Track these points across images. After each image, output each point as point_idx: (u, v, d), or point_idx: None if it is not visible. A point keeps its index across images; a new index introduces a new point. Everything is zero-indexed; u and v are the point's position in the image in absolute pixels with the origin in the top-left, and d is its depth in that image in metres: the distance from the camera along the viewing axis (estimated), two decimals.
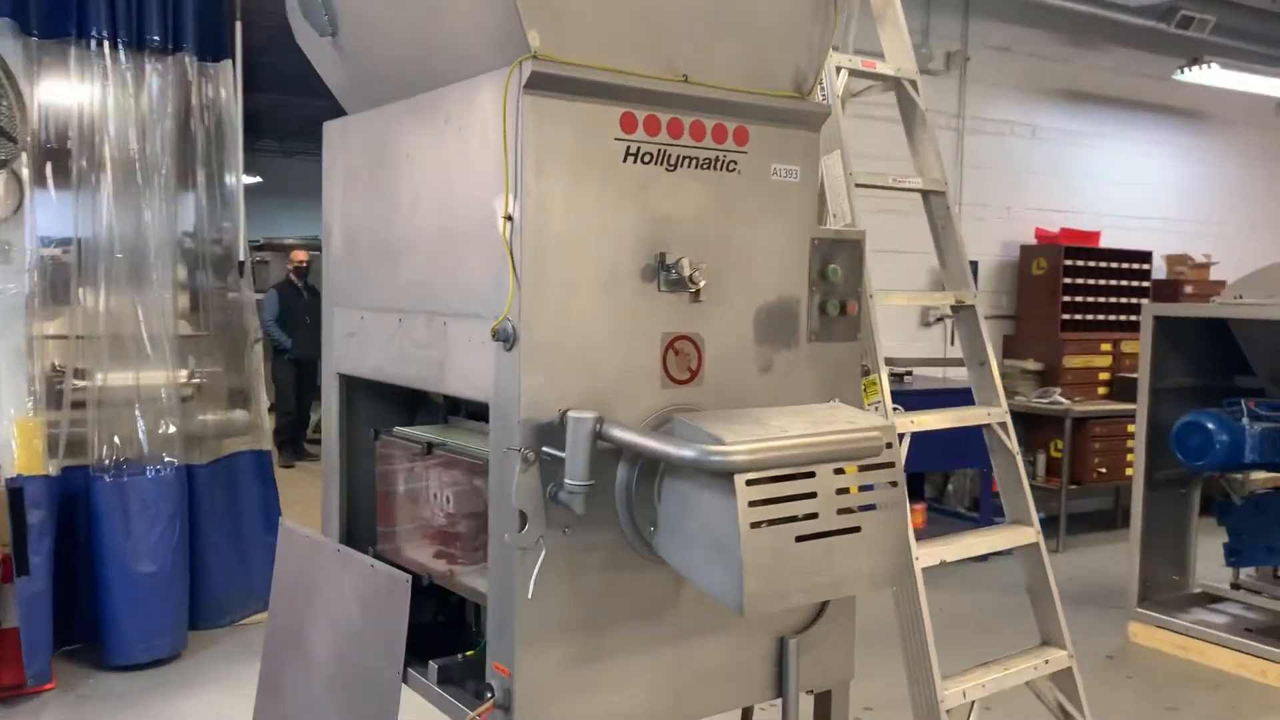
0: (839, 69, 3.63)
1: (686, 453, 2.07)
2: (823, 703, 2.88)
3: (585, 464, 2.19)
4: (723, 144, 2.51)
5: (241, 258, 6.08)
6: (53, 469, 5.10)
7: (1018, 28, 9.12)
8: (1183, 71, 9.35)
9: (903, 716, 3.90)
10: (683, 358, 2.47)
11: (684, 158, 2.46)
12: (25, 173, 5.09)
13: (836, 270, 2.70)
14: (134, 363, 5.42)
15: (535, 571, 2.24)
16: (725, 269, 2.52)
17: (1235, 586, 6.33)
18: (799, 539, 2.10)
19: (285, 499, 6.21)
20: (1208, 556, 6.44)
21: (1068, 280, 9.07)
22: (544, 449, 2.26)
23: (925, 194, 3.85)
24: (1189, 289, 9.71)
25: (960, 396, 5.58)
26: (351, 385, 3.08)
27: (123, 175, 5.43)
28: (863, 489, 2.25)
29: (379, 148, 2.85)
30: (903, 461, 2.33)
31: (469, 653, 2.68)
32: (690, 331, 2.48)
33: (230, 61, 5.87)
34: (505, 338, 2.27)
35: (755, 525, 2.04)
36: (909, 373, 7.78)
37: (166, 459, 5.39)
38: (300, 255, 11.61)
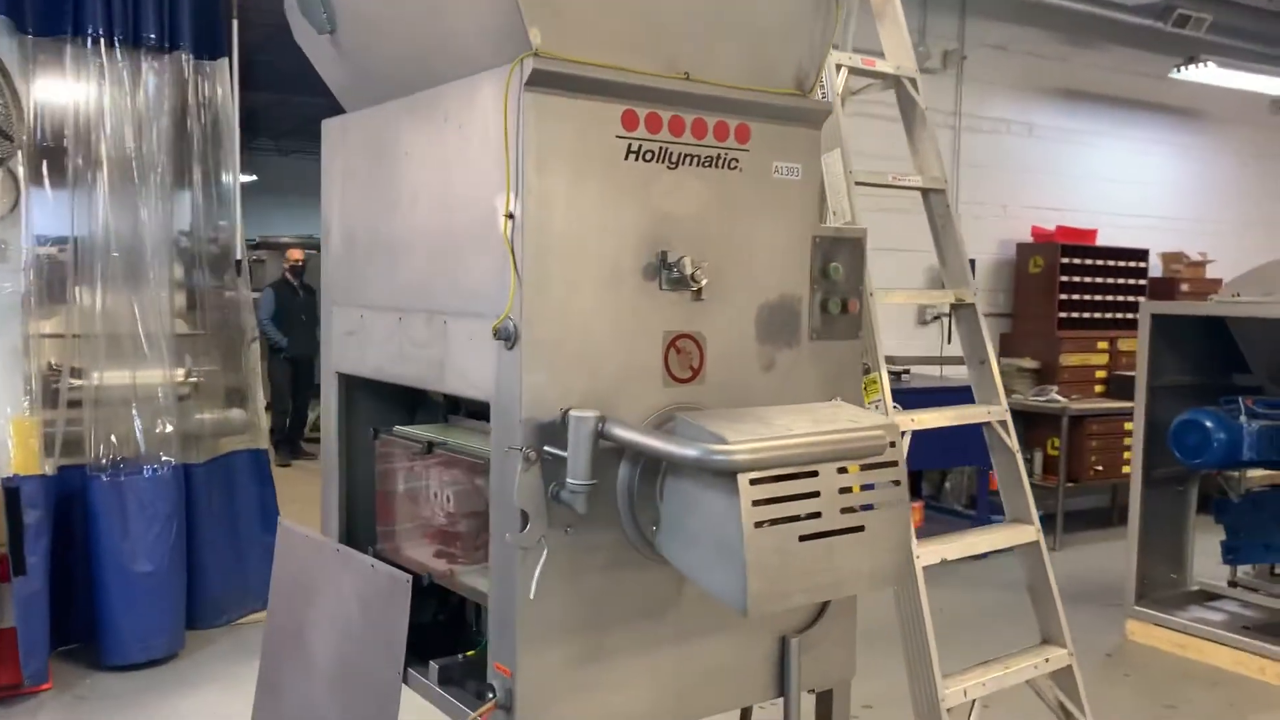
0: (839, 67, 3.62)
1: (690, 452, 2.06)
2: (824, 702, 2.87)
3: (587, 463, 2.19)
4: (724, 142, 2.51)
5: (238, 256, 6.06)
6: (49, 468, 5.09)
7: (1014, 26, 9.12)
8: (1179, 70, 9.36)
9: (902, 714, 3.90)
10: (684, 356, 2.46)
11: (685, 155, 2.45)
12: (21, 171, 5.06)
13: (838, 268, 2.70)
14: (131, 361, 5.40)
15: (537, 571, 2.23)
16: (727, 267, 2.51)
17: (1232, 584, 6.34)
18: (802, 538, 2.10)
19: (281, 498, 6.19)
20: (1204, 554, 6.45)
21: (1064, 278, 9.08)
22: (546, 448, 2.25)
23: (925, 192, 3.84)
24: (1185, 287, 9.73)
25: (957, 395, 5.58)
26: (351, 384, 3.07)
27: (119, 174, 5.41)
28: (864, 488, 2.25)
29: (378, 146, 2.84)
30: (905, 460, 2.32)
31: (470, 653, 2.67)
32: (692, 330, 2.47)
33: (227, 60, 5.85)
34: (507, 336, 2.26)
35: (759, 525, 2.03)
36: (906, 371, 7.78)
37: (163, 458, 5.38)
38: (296, 254, 11.59)
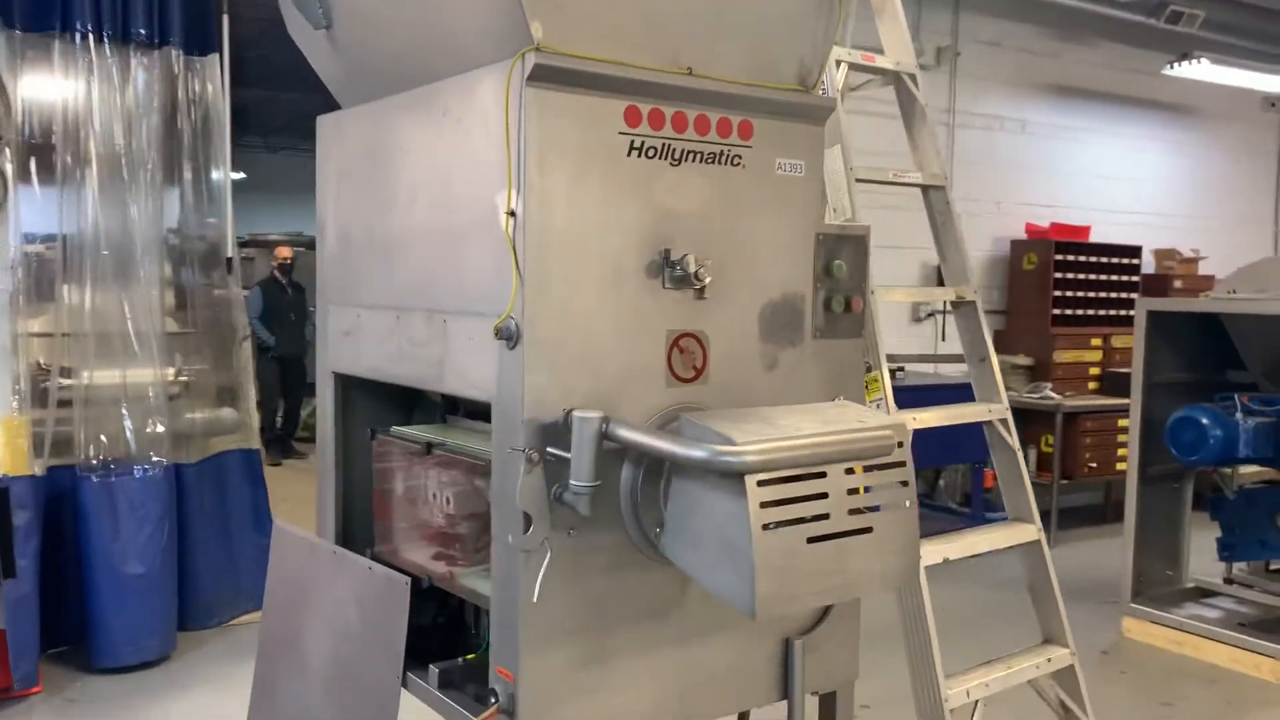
0: (838, 63, 3.59)
1: (696, 453, 2.03)
2: (827, 704, 2.84)
3: (591, 464, 2.15)
4: (727, 138, 2.48)
5: (229, 254, 6.00)
6: (38, 469, 5.03)
7: (1008, 22, 9.11)
8: (1172, 67, 9.36)
9: (900, 714, 3.88)
10: (687, 356, 2.43)
11: (688, 152, 2.42)
12: (9, 168, 5.00)
13: (841, 266, 2.67)
14: (121, 360, 5.35)
15: (540, 574, 2.20)
16: (730, 265, 2.48)
17: (1228, 581, 6.34)
18: (810, 540, 2.07)
19: (272, 497, 6.15)
20: (1199, 551, 6.45)
21: (1058, 275, 9.07)
22: (548, 449, 2.21)
23: (925, 189, 3.82)
24: (1178, 284, 9.74)
25: (952, 392, 5.57)
26: (347, 384, 3.03)
27: (108, 171, 5.35)
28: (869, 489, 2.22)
29: (375, 142, 2.80)
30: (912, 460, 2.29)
31: (470, 656, 2.64)
32: (695, 329, 2.44)
33: (217, 55, 5.79)
34: (508, 336, 2.22)
35: (766, 527, 2.00)
36: (901, 369, 7.77)
37: (154, 458, 5.33)
38: (285, 252, 11.53)
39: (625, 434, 2.16)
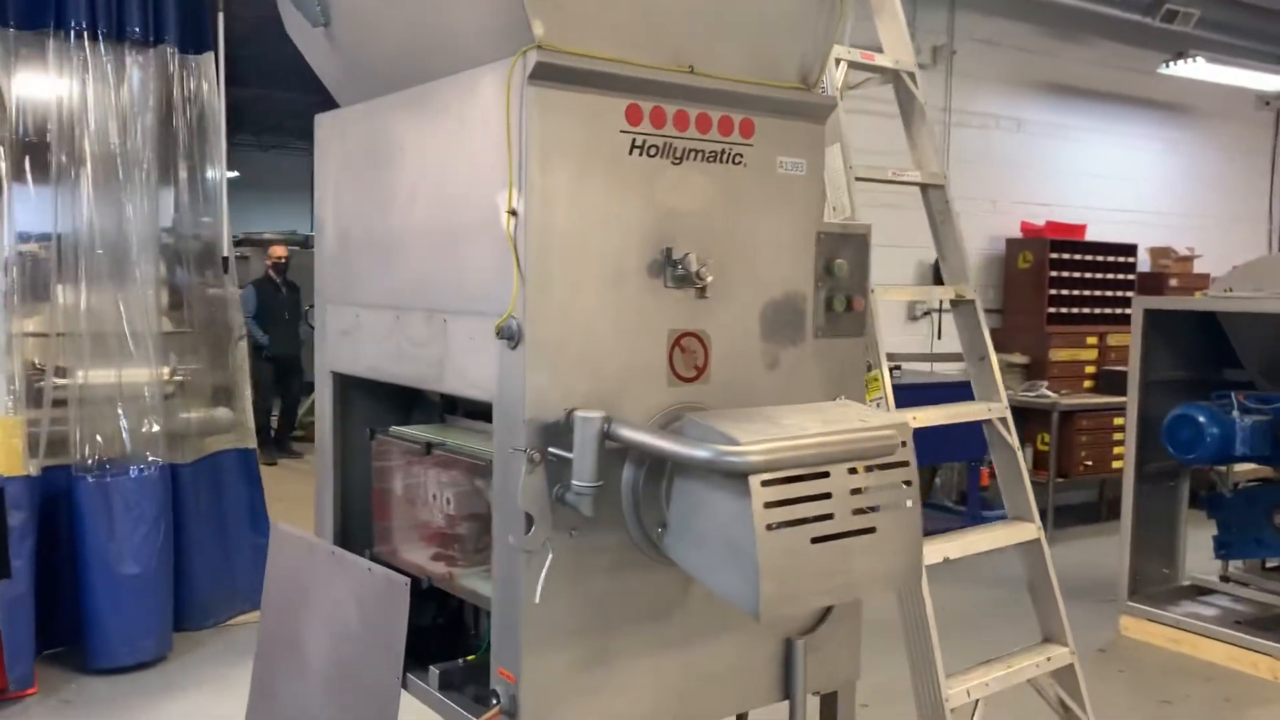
0: (837, 61, 3.58)
1: (700, 453, 2.02)
2: (828, 704, 2.84)
3: (594, 465, 2.14)
4: (729, 136, 2.46)
5: (225, 253, 5.98)
6: (33, 469, 5.00)
7: (1003, 21, 9.11)
8: (1168, 65, 9.37)
9: (898, 712, 3.88)
10: (689, 355, 2.42)
11: (690, 150, 2.40)
12: (3, 167, 4.99)
13: (843, 265, 2.66)
14: (116, 360, 5.33)
15: (543, 575, 2.19)
16: (731, 264, 2.47)
17: (1224, 579, 6.35)
18: (814, 540, 2.06)
19: (267, 497, 6.13)
20: (1195, 548, 6.45)
21: (1053, 274, 9.08)
22: (550, 449, 2.20)
23: (924, 188, 3.81)
24: (1173, 282, 9.76)
25: (949, 391, 5.56)
26: (345, 384, 3.02)
27: (103, 170, 5.33)
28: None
29: (374, 141, 2.78)
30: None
31: (470, 657, 2.63)
32: (696, 328, 2.43)
33: (212, 53, 5.77)
34: (510, 336, 2.21)
35: (770, 527, 1.99)
36: (898, 367, 7.77)
37: (150, 458, 5.30)
38: (279, 251, 11.50)
39: (628, 434, 2.15)
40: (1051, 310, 9.08)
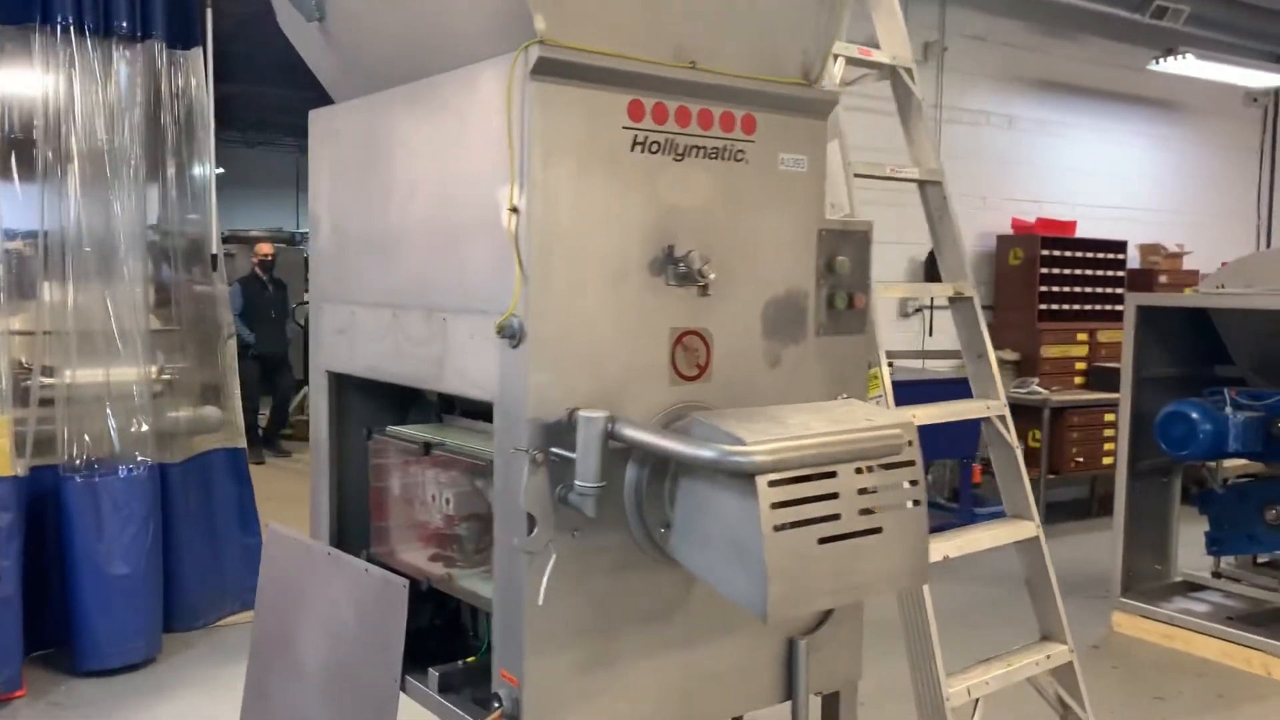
0: (835, 57, 3.56)
1: (705, 453, 2.00)
2: (829, 704, 2.82)
3: (597, 465, 2.12)
4: (730, 133, 2.44)
5: (213, 251, 5.92)
6: (20, 469, 4.94)
7: (994, 17, 9.12)
8: (1158, 62, 9.39)
9: (896, 710, 3.87)
10: (691, 354, 2.40)
11: (692, 147, 2.38)
12: None
13: (844, 262, 2.64)
14: (104, 358, 5.26)
15: (546, 576, 2.16)
16: (733, 262, 2.45)
17: (1216, 575, 6.36)
18: (821, 541, 2.04)
19: (256, 496, 6.07)
20: (1186, 545, 6.47)
21: (1044, 270, 9.09)
22: (552, 449, 2.17)
23: (921, 184, 3.79)
24: (1163, 278, 9.78)
25: (941, 388, 5.56)
26: (341, 383, 2.98)
27: (90, 166, 5.26)
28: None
29: (370, 137, 2.75)
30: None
31: (470, 659, 2.60)
32: (698, 326, 2.41)
33: (200, 49, 5.70)
34: (512, 334, 2.18)
35: (778, 528, 1.97)
36: (891, 364, 7.75)
37: (139, 457, 5.24)
38: (265, 248, 11.42)
39: (631, 434, 2.13)
40: (1042, 307, 9.09)
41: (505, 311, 2.18)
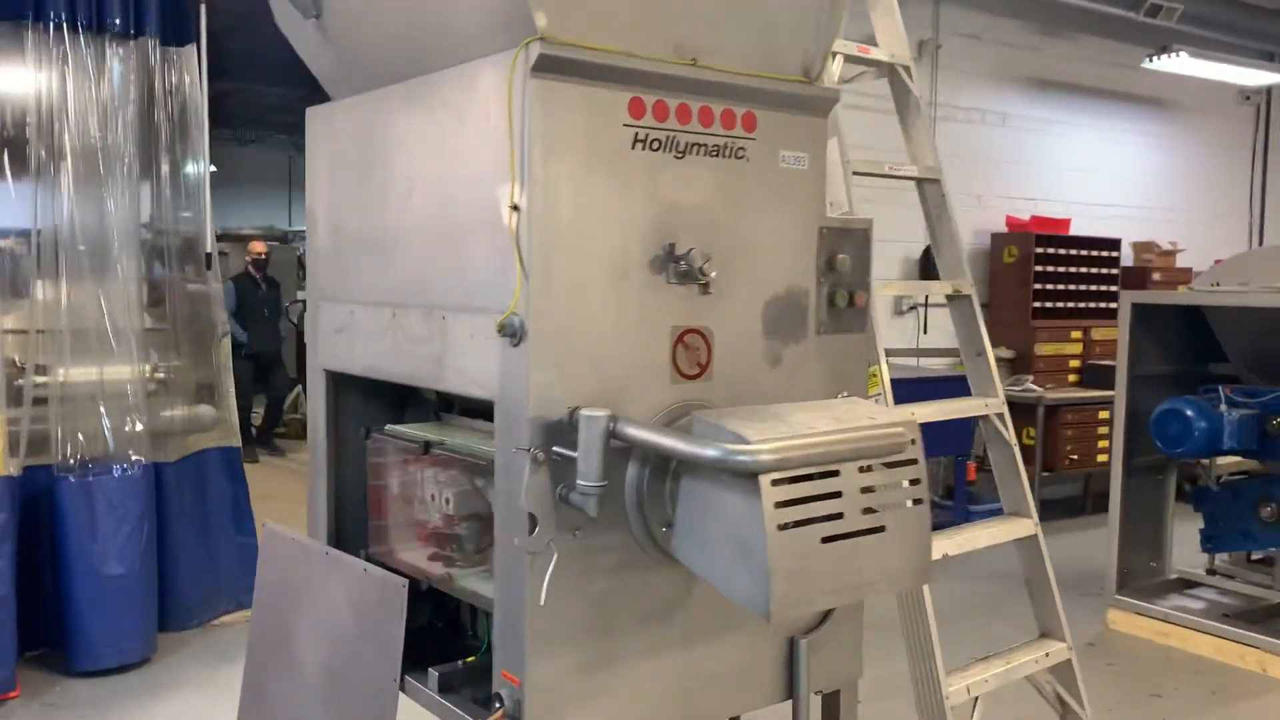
0: (834, 54, 3.55)
1: (709, 452, 1.99)
2: (830, 703, 2.82)
3: (599, 464, 2.11)
4: (732, 130, 2.43)
5: (208, 249, 5.89)
6: (14, 469, 4.91)
7: (989, 15, 9.12)
8: (1152, 60, 9.41)
9: (895, 707, 3.86)
10: (692, 352, 2.39)
11: (693, 144, 2.37)
12: None
13: (845, 260, 2.63)
14: (97, 357, 5.23)
15: (548, 576, 2.15)
16: (734, 260, 2.44)
17: (1210, 572, 6.37)
18: (824, 540, 2.03)
19: (250, 495, 6.05)
20: (1180, 542, 6.48)
21: (1038, 268, 9.10)
22: (554, 449, 2.16)
23: (919, 182, 3.79)
24: (1156, 276, 9.80)
25: (936, 386, 5.57)
26: (338, 382, 2.97)
27: (84, 164, 5.23)
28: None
29: (368, 135, 2.73)
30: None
31: (470, 659, 2.59)
32: (700, 325, 2.40)
33: (194, 46, 5.67)
34: (513, 333, 2.17)
35: (781, 527, 1.96)
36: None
37: (133, 457, 5.22)
38: (259, 247, 11.37)
39: (634, 433, 2.12)
40: (1036, 305, 9.10)
41: (506, 310, 2.17)
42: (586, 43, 2.19)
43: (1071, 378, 9.13)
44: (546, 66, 2.13)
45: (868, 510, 2.10)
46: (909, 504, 2.19)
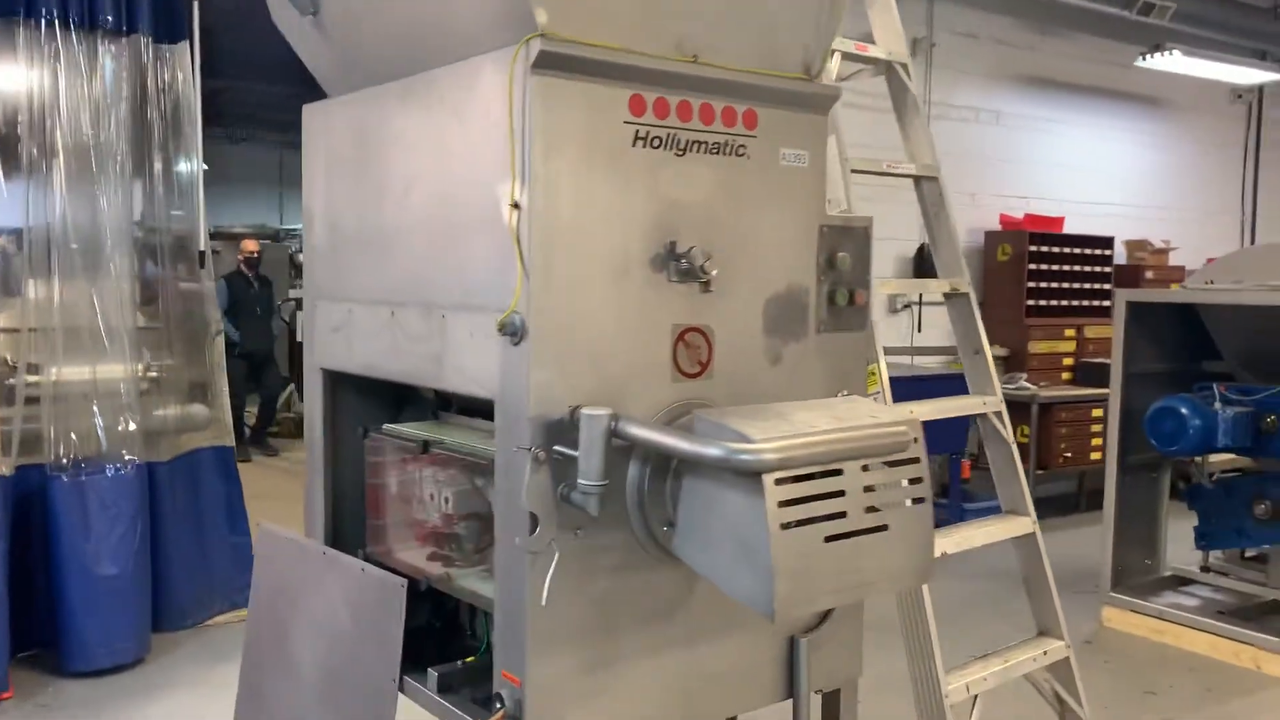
0: (833, 52, 3.54)
1: (712, 451, 1.98)
2: (830, 702, 2.81)
3: (601, 463, 2.10)
4: (732, 128, 2.42)
5: (201, 247, 5.87)
6: (6, 468, 4.88)
7: (983, 13, 9.12)
8: (1145, 58, 9.43)
9: (894, 705, 3.86)
10: (693, 350, 2.38)
11: (694, 142, 2.36)
12: None
13: (845, 258, 2.62)
14: (90, 356, 5.21)
15: (549, 576, 2.14)
16: (734, 258, 2.43)
17: (1205, 569, 6.38)
18: (827, 539, 2.02)
19: (244, 494, 6.02)
20: (1174, 539, 6.49)
21: (1032, 266, 9.11)
22: (555, 448, 2.15)
23: (917, 179, 3.78)
24: (1149, 274, 9.82)
25: (931, 384, 5.57)
26: (335, 380, 2.95)
27: (76, 162, 5.20)
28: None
29: (366, 132, 2.72)
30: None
31: (469, 659, 2.58)
32: (700, 323, 2.39)
33: (187, 43, 5.64)
34: (513, 332, 2.16)
35: (784, 526, 1.95)
36: None
37: (126, 456, 5.19)
38: (251, 245, 11.34)
39: (636, 431, 2.11)
40: (1030, 303, 9.11)
41: (506, 308, 2.16)
42: (587, 39, 2.18)
43: (1065, 375, 9.14)
44: (547, 63, 2.12)
45: (870, 509, 2.09)
46: (910, 503, 2.18)
